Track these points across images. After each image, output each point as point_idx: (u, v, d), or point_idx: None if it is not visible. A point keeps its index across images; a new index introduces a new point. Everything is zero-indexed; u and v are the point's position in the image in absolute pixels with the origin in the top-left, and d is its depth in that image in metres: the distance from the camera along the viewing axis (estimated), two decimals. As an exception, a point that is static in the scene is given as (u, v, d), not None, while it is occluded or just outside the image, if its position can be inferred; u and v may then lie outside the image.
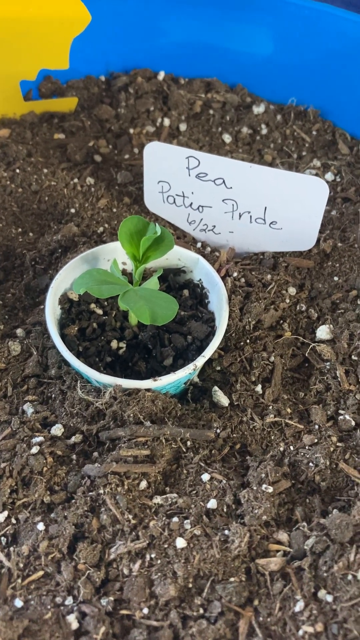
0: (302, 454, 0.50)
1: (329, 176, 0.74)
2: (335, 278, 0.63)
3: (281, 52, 0.81)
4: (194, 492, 0.47)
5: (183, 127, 0.79)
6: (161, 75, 0.84)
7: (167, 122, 0.79)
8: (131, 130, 0.78)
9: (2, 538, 0.45)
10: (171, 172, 0.62)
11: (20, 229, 0.68)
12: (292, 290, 0.61)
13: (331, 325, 0.58)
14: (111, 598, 0.43)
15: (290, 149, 0.78)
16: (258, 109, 0.81)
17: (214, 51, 0.84)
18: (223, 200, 0.62)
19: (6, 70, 0.75)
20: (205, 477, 0.48)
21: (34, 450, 0.48)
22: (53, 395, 0.54)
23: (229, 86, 0.84)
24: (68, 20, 0.74)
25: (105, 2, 0.80)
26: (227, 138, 0.78)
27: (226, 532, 0.45)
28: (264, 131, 0.80)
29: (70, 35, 0.75)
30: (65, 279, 0.57)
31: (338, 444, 0.51)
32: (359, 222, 0.67)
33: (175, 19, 0.82)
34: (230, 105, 0.82)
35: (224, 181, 0.61)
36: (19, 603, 0.42)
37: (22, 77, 0.77)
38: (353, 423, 0.52)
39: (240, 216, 0.63)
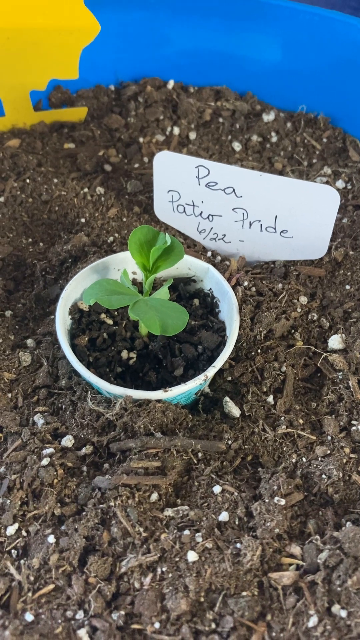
0: (314, 465, 0.50)
1: (340, 184, 0.73)
2: (347, 287, 0.62)
3: (291, 60, 0.81)
4: (206, 504, 0.47)
5: (193, 135, 0.79)
6: (171, 84, 0.84)
7: (176, 130, 0.79)
8: (141, 139, 0.78)
9: (13, 551, 0.45)
10: (181, 182, 0.62)
11: (30, 239, 0.68)
12: (303, 300, 0.61)
13: (343, 335, 0.57)
14: (122, 612, 0.42)
15: (301, 156, 0.78)
16: (268, 117, 0.81)
17: (223, 59, 0.84)
18: (233, 209, 0.62)
19: (16, 81, 0.76)
20: (217, 489, 0.47)
21: (45, 462, 0.48)
22: (63, 406, 0.53)
23: (239, 94, 0.84)
24: (77, 31, 0.74)
25: (114, 12, 0.80)
26: (237, 146, 0.78)
27: (238, 545, 0.44)
28: (274, 139, 0.79)
29: (80, 46, 0.75)
30: (76, 289, 0.57)
31: (351, 455, 0.50)
32: (370, 229, 0.66)
33: (184, 28, 0.82)
34: (240, 113, 0.81)
35: (234, 190, 0.60)
36: (29, 617, 0.42)
37: (32, 87, 0.77)
38: (366, 434, 0.51)
39: (250, 225, 0.62)
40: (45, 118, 0.80)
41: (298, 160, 0.77)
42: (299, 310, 0.60)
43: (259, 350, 0.57)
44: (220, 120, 0.81)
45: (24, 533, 0.46)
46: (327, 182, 0.74)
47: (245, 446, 0.52)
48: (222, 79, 0.85)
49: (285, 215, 0.60)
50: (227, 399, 0.55)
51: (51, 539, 0.45)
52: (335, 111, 0.81)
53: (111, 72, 0.85)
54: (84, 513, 0.46)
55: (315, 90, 0.81)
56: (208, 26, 0.82)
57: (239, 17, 0.81)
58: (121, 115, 0.82)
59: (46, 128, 0.80)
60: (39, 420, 0.52)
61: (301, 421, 0.53)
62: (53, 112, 0.81)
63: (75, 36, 0.75)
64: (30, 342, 0.59)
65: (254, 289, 0.60)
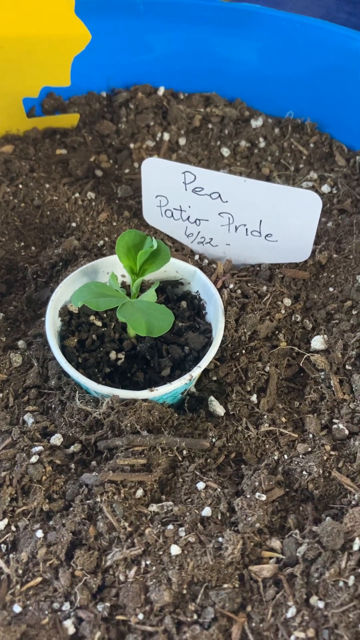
0: (296, 462, 0.51)
1: (326, 188, 0.75)
2: (331, 289, 0.64)
3: (278, 67, 0.83)
4: (189, 500, 0.48)
5: (182, 141, 0.81)
6: (161, 90, 0.85)
7: (166, 136, 0.81)
8: (131, 145, 0.80)
9: (2, 545, 0.47)
10: (168, 187, 0.64)
11: (22, 243, 0.70)
12: (287, 301, 0.62)
13: (326, 336, 0.59)
14: (107, 604, 0.44)
15: (288, 161, 0.79)
16: (256, 123, 0.82)
17: (213, 66, 0.86)
18: (219, 214, 0.64)
19: (10, 88, 0.78)
20: (201, 485, 0.49)
21: (34, 459, 0.50)
22: (53, 406, 0.55)
23: (228, 100, 0.86)
24: (69, 40, 0.76)
25: (104, 21, 0.82)
26: (225, 152, 0.80)
27: (220, 539, 0.46)
28: (262, 144, 0.81)
29: (72, 54, 0.77)
30: (66, 292, 0.59)
31: (332, 452, 0.52)
32: (354, 233, 0.68)
33: (173, 36, 0.84)
34: (228, 119, 0.83)
35: (219, 195, 0.62)
36: (17, 608, 0.43)
37: (25, 95, 0.79)
38: (347, 432, 0.53)
39: (236, 229, 0.64)
40: (38, 124, 0.82)
41: (285, 165, 0.79)
42: (283, 311, 0.61)
43: (244, 351, 0.58)
44: (210, 126, 0.83)
45: (13, 528, 0.47)
46: (313, 187, 0.75)
47: (229, 444, 0.53)
48: (212, 86, 0.86)
49: (269, 219, 0.62)
50: (212, 398, 0.56)
51: (39, 533, 0.46)
52: (322, 117, 0.83)
53: (103, 79, 0.87)
54: (71, 509, 0.48)
55: (303, 97, 0.83)
56: (197, 34, 0.84)
57: (228, 24, 0.83)
58: (112, 121, 0.83)
59: (39, 134, 0.81)
60: (29, 419, 0.54)
61: (284, 419, 0.55)
62: (46, 118, 0.82)
63: (66, 45, 0.76)
64: (21, 343, 0.60)
65: (239, 291, 0.62)
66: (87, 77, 0.85)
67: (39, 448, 0.51)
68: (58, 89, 0.84)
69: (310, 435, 0.53)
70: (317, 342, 0.59)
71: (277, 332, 0.61)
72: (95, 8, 0.80)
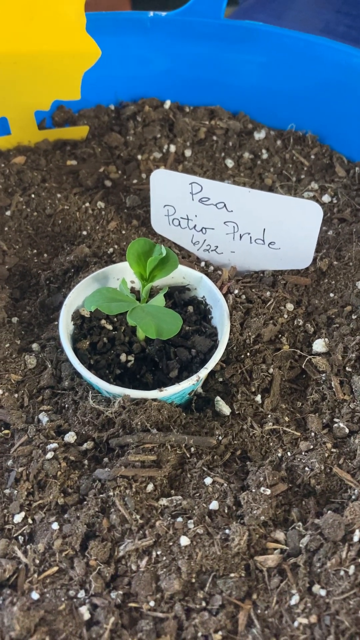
0: (298, 459, 0.54)
1: (326, 198, 0.78)
2: (331, 294, 0.67)
3: (280, 81, 0.86)
4: (197, 494, 0.51)
5: (188, 152, 0.84)
6: (167, 103, 0.88)
7: (173, 148, 0.84)
8: (139, 157, 0.83)
9: (20, 537, 0.49)
10: (176, 197, 0.66)
11: (35, 250, 0.73)
12: (290, 306, 0.65)
13: (326, 339, 0.61)
14: (120, 592, 0.46)
15: (290, 172, 0.82)
16: (259, 135, 0.85)
17: (217, 81, 0.89)
18: (224, 223, 0.66)
19: (22, 102, 0.80)
20: (208, 480, 0.51)
21: (49, 455, 0.52)
22: (66, 405, 0.57)
23: (232, 113, 0.89)
24: (79, 55, 0.78)
25: (113, 38, 0.85)
26: (229, 163, 0.83)
27: (227, 531, 0.48)
28: (265, 156, 0.84)
29: (82, 69, 0.80)
30: (78, 297, 0.62)
31: (332, 450, 0.54)
32: (354, 241, 0.70)
33: (179, 52, 0.87)
34: (232, 132, 0.86)
35: (225, 205, 0.65)
36: (35, 595, 0.46)
37: (36, 108, 0.82)
38: (347, 430, 0.55)
39: (240, 237, 0.67)
40: (49, 136, 0.85)
41: (287, 176, 0.82)
42: (285, 316, 0.64)
43: (248, 354, 0.61)
44: (214, 138, 0.86)
45: (30, 521, 0.50)
46: (314, 197, 0.78)
47: (235, 441, 0.56)
48: (216, 99, 0.89)
49: (272, 228, 0.65)
50: (218, 398, 0.59)
51: (55, 525, 0.49)
52: (322, 129, 0.86)
53: (111, 92, 0.90)
54: (85, 502, 0.50)
55: (304, 110, 0.86)
56: (202, 49, 0.87)
57: (232, 41, 0.86)
58: (121, 133, 0.86)
59: (50, 146, 0.84)
60: (44, 418, 0.56)
61: (287, 419, 0.57)
62: (56, 130, 0.85)
63: (77, 60, 0.79)
64: (35, 346, 0.63)
65: (244, 296, 0.64)
66: (96, 91, 0.88)
67: (54, 445, 0.53)
68: (68, 102, 0.87)
69: (312, 434, 0.55)
70: (319, 345, 0.61)
71: (280, 335, 0.63)
72: (105, 25, 0.84)
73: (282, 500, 0.51)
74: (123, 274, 0.63)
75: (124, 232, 0.73)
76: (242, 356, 0.61)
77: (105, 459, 0.54)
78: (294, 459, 0.54)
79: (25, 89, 0.79)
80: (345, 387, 0.58)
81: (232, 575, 0.47)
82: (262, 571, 0.47)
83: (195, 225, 0.68)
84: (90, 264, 0.67)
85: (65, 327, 0.59)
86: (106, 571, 0.47)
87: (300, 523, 0.49)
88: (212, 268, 0.69)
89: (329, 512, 0.49)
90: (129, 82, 0.89)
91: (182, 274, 0.64)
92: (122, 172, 0.82)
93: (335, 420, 0.56)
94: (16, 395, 0.58)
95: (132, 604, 0.46)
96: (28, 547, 0.48)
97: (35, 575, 0.47)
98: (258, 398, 0.59)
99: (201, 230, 0.68)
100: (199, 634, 0.44)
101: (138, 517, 0.49)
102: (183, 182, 0.65)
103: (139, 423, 0.53)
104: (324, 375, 0.59)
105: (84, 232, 0.73)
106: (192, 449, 0.54)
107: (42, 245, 0.73)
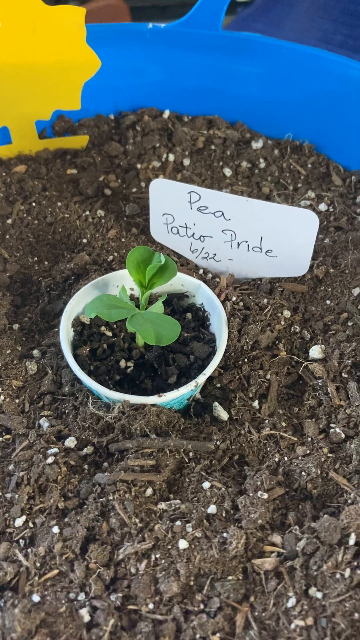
0: (295, 464, 0.54)
1: (323, 206, 0.79)
2: (328, 301, 0.68)
3: (278, 91, 0.87)
4: (196, 498, 0.51)
5: (187, 162, 0.85)
6: (166, 113, 0.90)
7: (171, 157, 0.85)
8: (138, 166, 0.84)
9: (21, 540, 0.50)
10: (175, 206, 0.67)
11: (36, 258, 0.74)
12: (287, 313, 0.66)
13: (323, 345, 0.62)
14: (120, 594, 0.47)
15: (287, 181, 0.83)
16: (257, 144, 0.86)
17: (216, 91, 0.90)
18: (222, 231, 0.67)
19: (23, 111, 0.81)
20: (206, 485, 0.52)
21: (50, 460, 0.53)
22: (67, 411, 0.58)
23: (230, 123, 0.90)
24: (80, 66, 0.79)
25: (113, 48, 0.86)
26: (227, 172, 0.84)
27: (225, 534, 0.49)
28: (262, 165, 0.85)
29: (82, 79, 0.81)
30: (78, 304, 0.62)
31: (329, 454, 0.55)
32: (350, 249, 0.72)
33: (178, 62, 0.88)
34: (230, 141, 0.87)
35: (222, 213, 0.66)
36: (36, 598, 0.46)
37: (37, 117, 0.82)
38: (343, 435, 0.56)
39: (238, 245, 0.68)
40: (50, 145, 0.86)
41: (284, 185, 0.83)
42: (282, 323, 0.65)
43: (246, 360, 0.62)
44: (213, 147, 0.87)
45: (30, 524, 0.50)
46: (310, 205, 0.79)
47: (232, 446, 0.56)
48: (214, 109, 0.91)
49: (270, 236, 0.66)
50: (216, 403, 0.60)
51: (55, 529, 0.49)
52: (319, 139, 0.87)
53: (111, 102, 0.91)
54: (85, 506, 0.51)
55: (301, 120, 0.87)
56: (201, 60, 0.88)
57: (230, 52, 0.87)
58: (120, 143, 0.88)
59: (50, 155, 0.85)
60: (44, 423, 0.57)
61: (284, 424, 0.58)
62: (57, 139, 0.86)
63: (77, 71, 0.80)
64: (36, 352, 0.64)
65: (241, 303, 0.65)
66: (96, 101, 0.89)
67: (54, 450, 0.54)
68: (68, 111, 0.88)
69: (309, 439, 0.56)
70: (315, 351, 0.62)
71: (277, 342, 0.64)
72: (105, 37, 0.85)
73: (279, 504, 0.52)
74: (123, 281, 0.64)
75: (123, 240, 0.74)
76: (240, 362, 0.62)
77: (105, 464, 0.54)
78: (290, 463, 0.55)
79: (27, 99, 0.80)
80: (342, 392, 0.59)
81: (229, 578, 0.47)
82: (260, 574, 0.48)
83: (193, 234, 0.69)
84: (90, 271, 0.68)
85: (65, 333, 0.60)
86: (106, 574, 0.47)
87: (297, 527, 0.50)
88: (210, 275, 0.70)
89: (325, 515, 0.50)
90: (129, 92, 0.91)
91: (181, 281, 0.65)
92: (122, 180, 0.84)
93: (332, 425, 0.57)
94: (17, 400, 0.59)
95: (131, 607, 0.46)
96: (29, 550, 0.49)
97: (36, 578, 0.47)
98: (255, 404, 0.59)
99: (199, 238, 0.69)
100: (197, 636, 0.45)
101: (137, 520, 0.49)
102: (182, 191, 0.66)
103: (138, 428, 0.54)
104: (320, 381, 0.60)
105: (84, 240, 0.74)
106: (191, 454, 0.55)
107: (42, 253, 0.74)
